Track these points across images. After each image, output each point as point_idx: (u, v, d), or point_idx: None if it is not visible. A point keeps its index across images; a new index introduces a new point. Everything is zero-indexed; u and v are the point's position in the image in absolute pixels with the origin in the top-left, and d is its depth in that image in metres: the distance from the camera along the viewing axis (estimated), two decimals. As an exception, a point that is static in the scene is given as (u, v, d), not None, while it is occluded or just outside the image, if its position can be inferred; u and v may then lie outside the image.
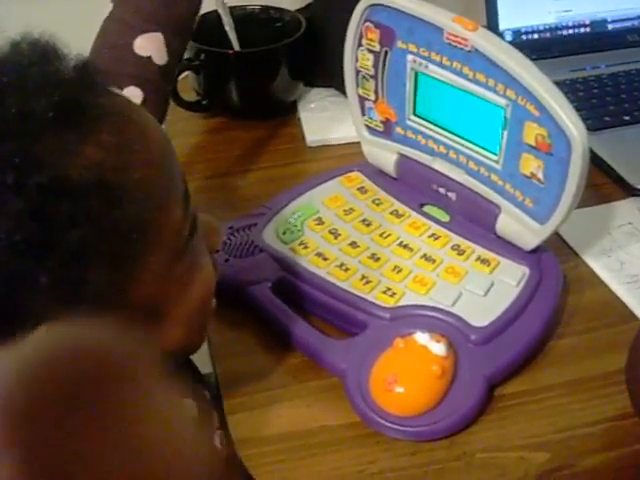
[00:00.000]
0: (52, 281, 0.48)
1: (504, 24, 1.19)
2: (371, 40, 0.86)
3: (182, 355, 0.66)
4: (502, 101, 0.77)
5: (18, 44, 0.54)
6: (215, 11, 1.12)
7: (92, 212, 0.49)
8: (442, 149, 0.86)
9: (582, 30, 1.23)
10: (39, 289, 0.48)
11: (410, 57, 0.83)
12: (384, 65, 0.86)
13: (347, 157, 1.04)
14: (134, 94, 0.76)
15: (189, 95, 1.13)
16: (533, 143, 0.75)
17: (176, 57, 0.82)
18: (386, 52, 0.85)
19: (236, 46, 1.12)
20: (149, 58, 0.78)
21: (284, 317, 0.78)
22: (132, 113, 0.57)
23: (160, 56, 0.79)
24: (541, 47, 1.20)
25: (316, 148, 1.09)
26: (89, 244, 0.49)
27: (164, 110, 0.83)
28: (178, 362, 0.66)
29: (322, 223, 0.86)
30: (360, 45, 0.87)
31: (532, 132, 0.75)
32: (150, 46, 0.78)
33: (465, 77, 0.79)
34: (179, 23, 0.82)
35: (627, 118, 1.09)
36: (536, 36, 1.21)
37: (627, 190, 0.99)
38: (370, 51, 0.86)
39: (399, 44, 0.83)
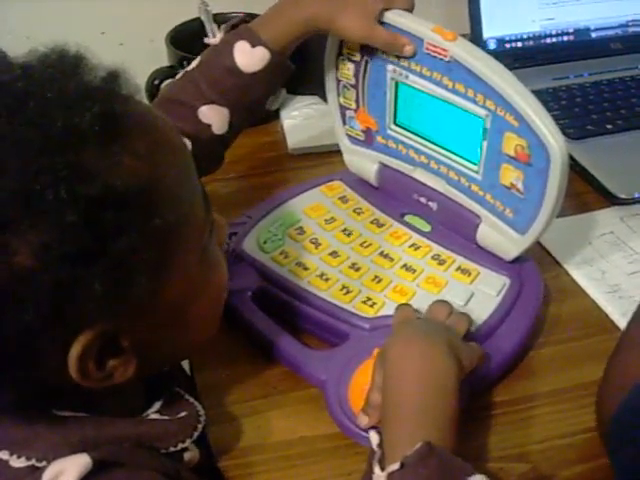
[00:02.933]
0: (103, 287, 0.50)
1: (488, 32, 1.19)
2: (351, 49, 0.86)
3: (195, 348, 0.68)
4: (482, 112, 0.77)
5: (47, 56, 0.55)
6: (198, 19, 1.12)
7: (136, 219, 0.51)
8: (423, 159, 0.86)
9: (565, 38, 1.23)
10: (91, 296, 0.50)
11: (390, 67, 0.83)
12: (364, 74, 0.86)
13: (329, 165, 1.04)
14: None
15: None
16: (513, 154, 0.75)
17: (236, 130, 0.85)
18: (366, 61, 0.85)
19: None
20: (209, 126, 0.82)
21: (264, 327, 0.77)
22: (157, 119, 0.58)
23: (220, 127, 0.83)
24: (525, 55, 1.21)
25: (298, 156, 1.09)
26: (134, 250, 0.51)
27: (213, 167, 0.87)
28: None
29: (303, 232, 0.86)
30: (340, 54, 0.87)
31: (511, 143, 0.75)
32: (214, 117, 0.82)
33: (445, 87, 0.79)
34: (249, 104, 0.84)
35: (609, 127, 1.09)
36: (520, 44, 1.22)
37: (609, 199, 0.99)
38: (351, 60, 0.86)
39: (379, 53, 0.83)
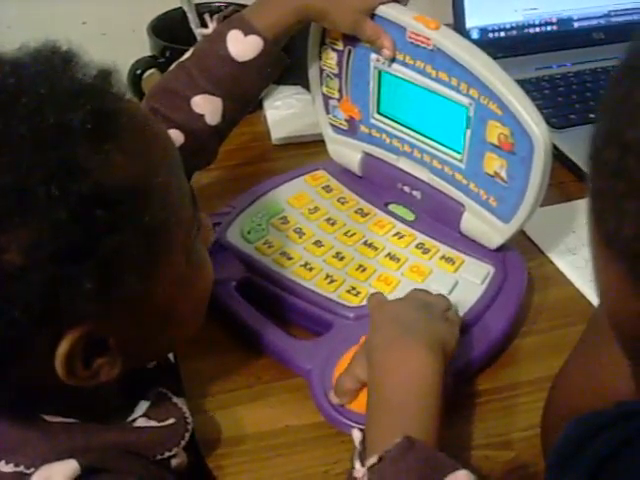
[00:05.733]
0: (94, 285, 0.50)
1: (471, 22, 1.19)
2: (334, 38, 0.85)
3: (179, 344, 0.68)
4: (465, 100, 0.77)
5: (39, 52, 0.54)
6: (180, 8, 1.11)
7: (126, 217, 0.51)
8: (407, 148, 0.86)
9: (549, 28, 1.23)
10: (83, 293, 0.49)
11: (374, 56, 0.83)
12: (348, 63, 0.86)
13: (313, 155, 1.03)
14: (176, 136, 0.78)
15: (154, 93, 1.12)
16: (496, 142, 0.76)
17: (229, 122, 0.84)
18: (350, 50, 0.85)
19: (202, 44, 1.11)
20: (202, 116, 0.81)
21: (249, 317, 0.77)
22: (147, 119, 0.58)
23: (213, 117, 0.81)
24: (508, 45, 1.21)
25: (281, 146, 1.09)
26: (125, 248, 0.51)
27: (206, 161, 0.86)
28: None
29: (287, 222, 0.86)
30: (323, 43, 0.87)
31: (495, 131, 0.75)
32: (207, 106, 0.81)
33: (428, 76, 0.79)
34: (242, 95, 0.83)
35: (593, 116, 1.08)
36: (503, 34, 1.21)
37: (592, 187, 0.99)
38: (334, 49, 0.86)
39: (363, 43, 0.83)
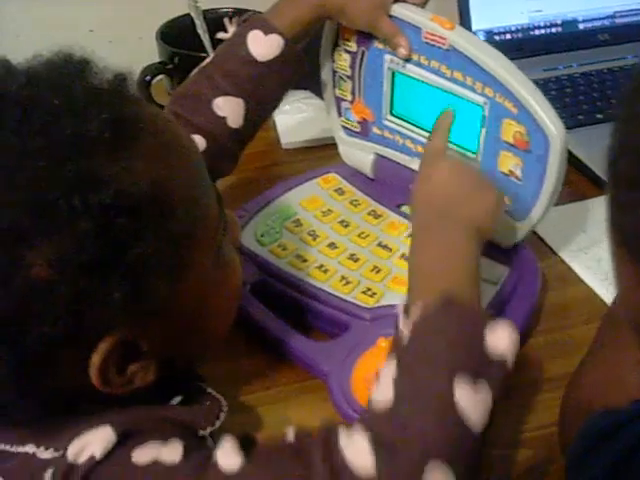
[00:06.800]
0: (123, 293, 0.49)
1: (476, 25, 1.19)
2: (348, 40, 0.86)
3: (212, 346, 0.66)
4: (480, 99, 0.77)
5: (52, 60, 0.54)
6: (188, 14, 1.12)
7: (150, 224, 0.50)
8: (420, 148, 0.86)
9: (554, 30, 1.24)
10: (112, 302, 0.49)
11: (387, 57, 0.83)
12: (361, 65, 0.86)
13: (322, 159, 1.03)
14: (197, 141, 0.76)
15: (163, 99, 1.11)
16: (511, 141, 0.76)
17: (251, 125, 0.83)
18: (363, 52, 0.85)
19: (210, 49, 1.11)
20: (224, 118, 0.80)
21: (265, 320, 0.77)
22: (166, 122, 0.58)
23: (235, 119, 0.81)
24: (514, 47, 1.21)
25: (291, 150, 1.09)
26: (152, 254, 0.50)
27: (228, 167, 0.85)
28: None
29: (300, 225, 0.86)
30: (337, 45, 0.87)
31: (510, 130, 0.75)
32: (228, 108, 0.80)
33: (443, 76, 0.79)
34: (264, 96, 0.83)
35: (600, 116, 1.10)
36: (509, 36, 1.22)
37: (601, 187, 0.98)
38: (347, 51, 0.86)
39: (376, 44, 0.83)
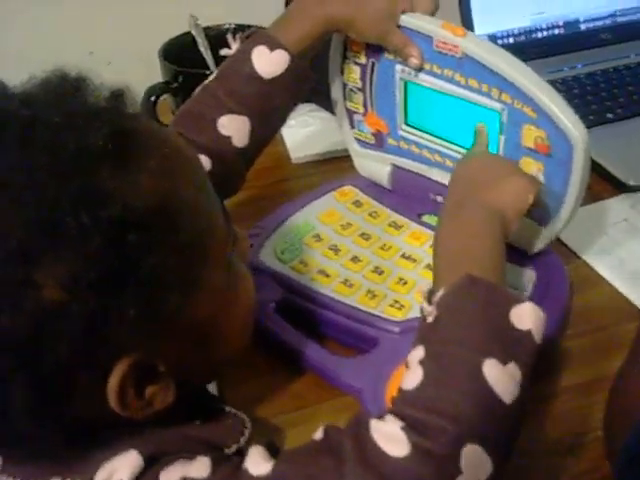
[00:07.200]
0: (137, 310, 0.48)
1: (479, 30, 1.18)
2: (357, 52, 0.85)
3: (229, 362, 0.66)
4: (497, 105, 0.76)
5: (49, 80, 0.53)
6: (189, 33, 1.11)
7: (159, 237, 0.50)
8: (437, 158, 0.85)
9: (556, 31, 1.23)
10: (126, 320, 0.48)
11: (399, 67, 0.82)
12: (371, 77, 0.85)
13: (333, 171, 1.03)
14: (203, 162, 0.74)
15: (168, 118, 1.10)
16: (532, 146, 0.75)
17: (257, 144, 0.82)
18: (373, 63, 0.84)
19: (212, 67, 1.10)
20: (228, 138, 0.79)
21: (292, 338, 0.76)
22: (167, 134, 0.58)
23: (240, 138, 0.79)
24: (517, 50, 1.19)
25: (301, 164, 1.08)
26: (163, 268, 0.50)
27: (234, 188, 0.84)
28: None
29: (320, 240, 0.85)
30: (345, 58, 0.86)
31: (531, 135, 0.75)
32: (233, 127, 0.79)
33: (457, 84, 0.78)
34: (270, 114, 0.81)
35: (610, 116, 1.10)
36: (512, 40, 1.22)
37: (617, 187, 0.99)
38: (356, 64, 0.86)
39: (386, 55, 0.83)
